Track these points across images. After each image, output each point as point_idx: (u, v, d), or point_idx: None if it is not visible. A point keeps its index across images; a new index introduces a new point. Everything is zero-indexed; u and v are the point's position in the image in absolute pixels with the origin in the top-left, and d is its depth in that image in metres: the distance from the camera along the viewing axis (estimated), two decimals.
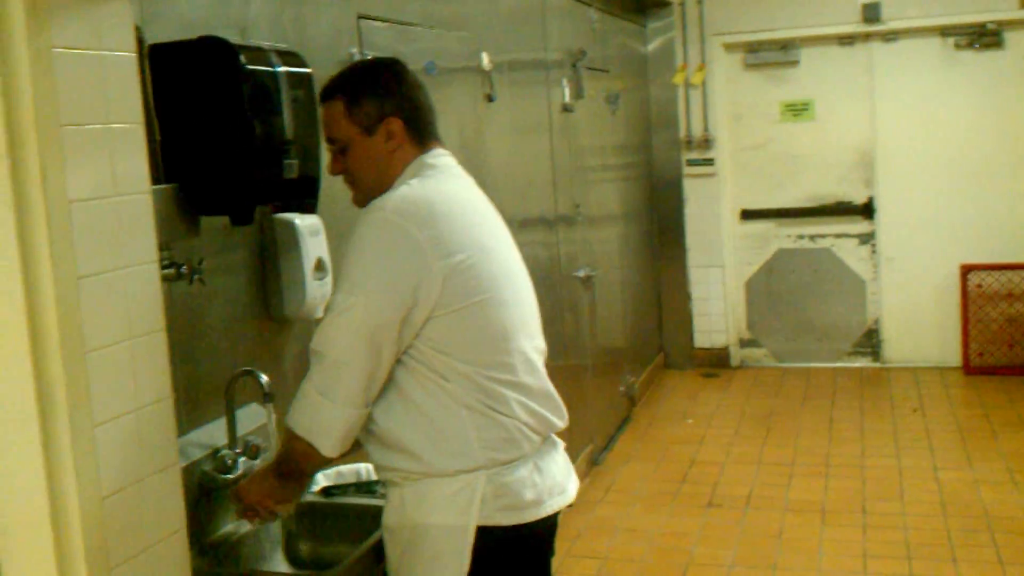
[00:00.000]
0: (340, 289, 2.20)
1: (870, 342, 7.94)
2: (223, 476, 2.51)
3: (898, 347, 7.88)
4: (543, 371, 2.38)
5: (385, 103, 2.31)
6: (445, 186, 2.31)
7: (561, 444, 2.44)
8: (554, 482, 2.32)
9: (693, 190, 8.06)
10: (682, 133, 8.01)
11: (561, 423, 2.37)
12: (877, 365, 7.91)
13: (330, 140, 2.36)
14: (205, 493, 2.50)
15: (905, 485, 5.47)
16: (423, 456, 2.22)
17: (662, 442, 6.46)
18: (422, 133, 2.35)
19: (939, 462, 5.78)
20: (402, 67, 2.40)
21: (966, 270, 7.50)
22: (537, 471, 2.29)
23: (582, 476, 5.55)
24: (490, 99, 4.47)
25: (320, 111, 2.39)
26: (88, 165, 1.82)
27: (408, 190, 2.25)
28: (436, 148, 2.37)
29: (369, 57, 2.44)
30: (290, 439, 2.27)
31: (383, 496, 2.77)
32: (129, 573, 1.90)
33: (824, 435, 6.37)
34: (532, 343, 2.36)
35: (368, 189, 2.34)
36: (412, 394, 2.22)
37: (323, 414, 2.19)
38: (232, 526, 2.58)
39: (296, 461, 2.30)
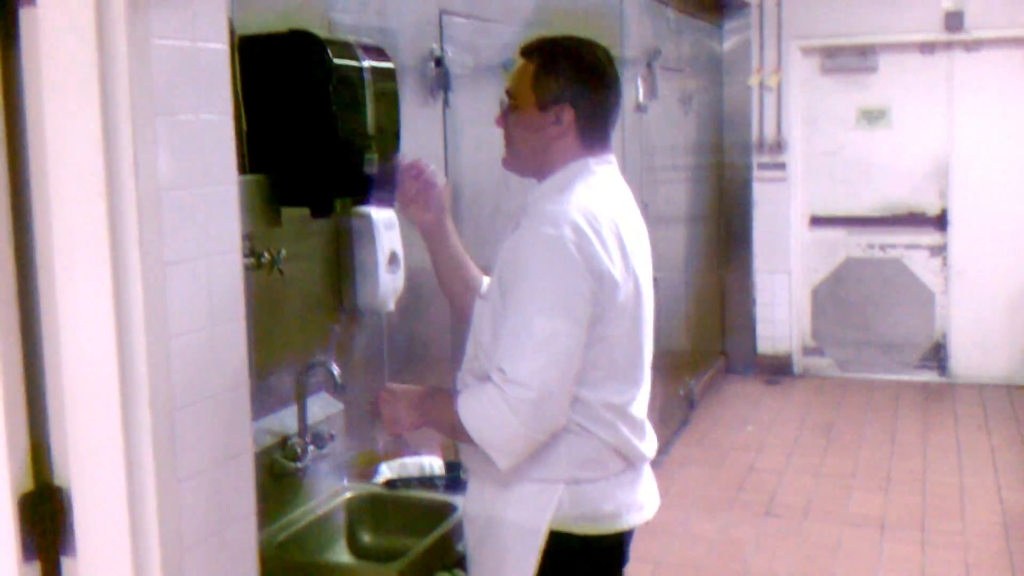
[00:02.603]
0: (533, 310, 2.09)
1: (937, 356, 7.82)
2: (292, 464, 2.54)
3: (965, 362, 7.75)
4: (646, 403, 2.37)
5: (569, 89, 2.24)
6: (616, 202, 2.28)
7: (646, 465, 2.39)
8: (634, 499, 2.31)
9: (763, 194, 7.99)
10: (754, 136, 7.94)
11: (650, 454, 2.35)
12: (943, 380, 7.79)
13: (508, 93, 2.31)
14: (273, 480, 2.53)
15: (967, 503, 5.39)
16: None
17: (721, 447, 6.42)
18: (592, 136, 2.28)
19: (1003, 481, 5.68)
20: (606, 63, 2.31)
21: None
22: (619, 487, 2.27)
23: None
24: None
25: (516, 64, 2.32)
26: (179, 154, 1.85)
27: (583, 202, 2.17)
28: (604, 154, 2.32)
29: (552, 38, 2.36)
30: (458, 431, 2.17)
31: (446, 490, 2.80)
32: (200, 556, 1.93)
33: (886, 448, 6.29)
34: (647, 375, 2.35)
35: (519, 158, 2.32)
36: None
37: (516, 438, 2.10)
38: (298, 512, 2.62)
39: (456, 440, 2.25)
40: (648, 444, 2.34)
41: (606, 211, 2.21)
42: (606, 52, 2.35)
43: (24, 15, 1.71)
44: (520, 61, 2.30)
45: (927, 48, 7.61)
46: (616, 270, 2.16)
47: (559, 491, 2.21)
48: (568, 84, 2.24)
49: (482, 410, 2.11)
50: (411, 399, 2.29)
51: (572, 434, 2.19)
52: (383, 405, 2.31)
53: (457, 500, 2.58)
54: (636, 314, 2.26)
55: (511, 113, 2.30)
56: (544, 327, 2.08)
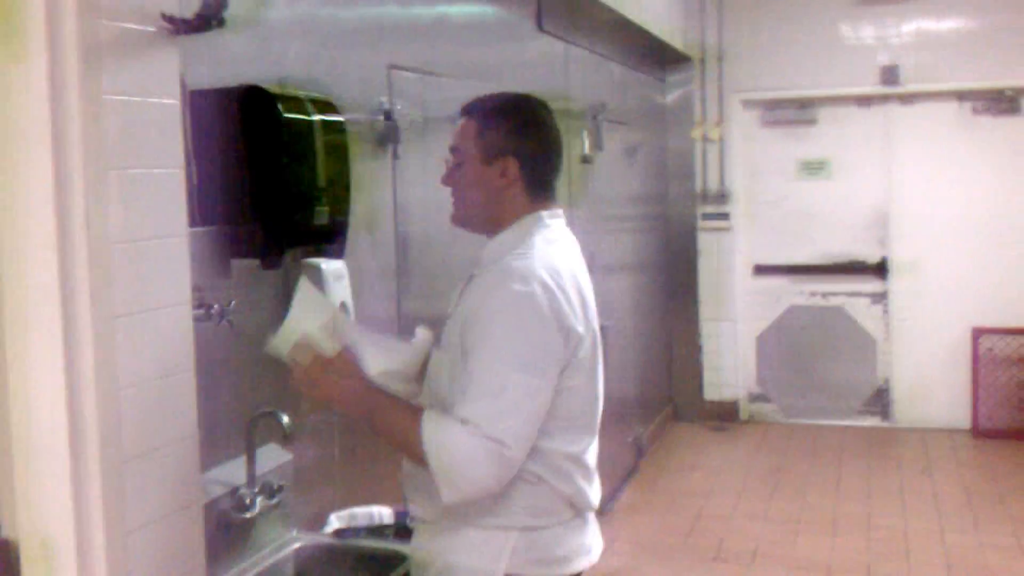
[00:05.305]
0: (507, 367, 2.11)
1: (880, 401, 7.95)
2: (241, 514, 2.54)
3: (908, 407, 7.88)
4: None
5: (511, 141, 2.30)
6: (570, 256, 2.33)
7: (591, 513, 2.43)
8: (583, 543, 2.35)
9: (707, 243, 8.11)
10: (698, 186, 8.08)
11: (596, 503, 2.38)
12: (886, 425, 7.90)
13: (453, 151, 2.35)
14: (223, 530, 2.53)
15: (911, 547, 5.47)
16: (463, 508, 2.20)
17: (669, 494, 6.46)
18: (537, 186, 2.33)
19: (946, 524, 5.77)
20: (545, 115, 2.38)
21: (978, 333, 7.52)
22: (570, 532, 2.31)
23: None
24: None
25: (458, 123, 2.37)
26: (129, 208, 1.87)
27: (546, 258, 2.23)
28: (552, 207, 2.37)
29: (498, 94, 2.43)
30: (409, 448, 2.17)
31: (396, 539, 2.81)
32: None
33: (831, 493, 6.37)
34: (598, 425, 2.40)
35: (469, 213, 2.36)
36: None
37: (480, 484, 2.11)
38: (247, 563, 2.61)
39: (398, 447, 2.25)
40: (595, 493, 2.38)
41: (565, 266, 2.27)
42: (544, 104, 2.42)
43: None
44: (461, 119, 2.36)
45: (864, 101, 7.81)
46: (579, 324, 2.22)
47: (513, 537, 2.23)
48: (510, 135, 2.30)
49: (453, 447, 2.10)
50: (354, 382, 2.24)
51: (528, 484, 2.22)
52: (309, 388, 2.24)
53: (407, 549, 2.58)
54: (593, 364, 2.31)
55: (457, 170, 2.35)
56: (519, 384, 2.11)
